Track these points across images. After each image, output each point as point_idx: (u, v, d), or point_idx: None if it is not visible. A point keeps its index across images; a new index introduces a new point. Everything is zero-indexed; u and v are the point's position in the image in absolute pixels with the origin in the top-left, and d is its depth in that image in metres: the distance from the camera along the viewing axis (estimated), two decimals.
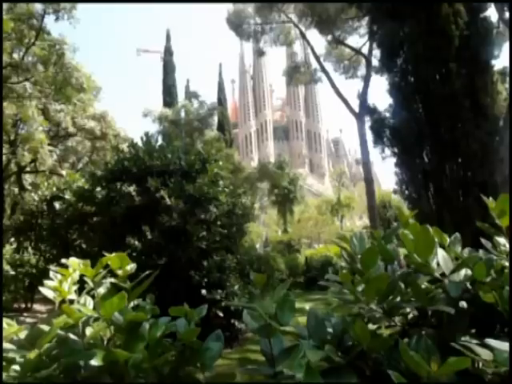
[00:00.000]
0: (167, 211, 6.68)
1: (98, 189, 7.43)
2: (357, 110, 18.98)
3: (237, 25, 22.21)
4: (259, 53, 25.53)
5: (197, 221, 6.78)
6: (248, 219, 8.15)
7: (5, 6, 13.52)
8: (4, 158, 18.23)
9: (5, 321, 1.04)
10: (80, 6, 13.76)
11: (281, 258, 16.00)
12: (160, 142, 8.67)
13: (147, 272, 1.15)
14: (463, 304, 1.08)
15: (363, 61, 21.29)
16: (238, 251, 7.62)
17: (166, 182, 7.05)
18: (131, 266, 1.17)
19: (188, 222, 6.70)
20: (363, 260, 1.18)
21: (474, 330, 1.05)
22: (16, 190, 19.47)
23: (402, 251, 1.27)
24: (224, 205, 7.28)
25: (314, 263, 16.89)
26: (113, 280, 1.17)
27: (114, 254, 1.16)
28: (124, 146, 9.73)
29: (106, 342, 1.08)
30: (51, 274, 1.15)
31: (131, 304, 1.13)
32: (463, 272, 1.13)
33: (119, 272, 1.14)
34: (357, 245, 1.26)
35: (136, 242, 6.47)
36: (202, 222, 6.88)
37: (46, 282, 1.13)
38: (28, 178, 21.28)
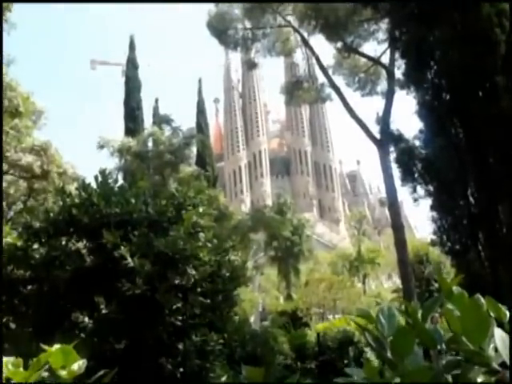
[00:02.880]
0: (129, 275, 6.62)
1: (36, 246, 7.39)
2: (378, 136, 19.37)
3: (220, 30, 22.87)
4: (250, 64, 26.44)
5: (169, 287, 6.71)
6: (238, 283, 8.10)
7: None
8: None
9: None
10: (17, 6, 14.13)
11: (284, 336, 15.76)
12: (120, 181, 8.73)
13: (101, 372, 1.11)
14: None
15: (383, 73, 21.94)
16: (226, 328, 7.51)
17: (128, 236, 7.03)
18: (80, 364, 1.13)
19: (157, 290, 6.63)
20: (394, 346, 1.16)
21: None
22: None
23: (446, 330, 1.26)
24: (206, 265, 7.25)
25: (328, 341, 16.64)
26: None
27: (56, 347, 1.13)
28: (72, 188, 9.77)
29: None
30: None
31: None
32: None
33: (63, 373, 1.10)
34: (385, 325, 1.25)
35: (86, 319, 6.36)
36: (177, 289, 6.81)
37: None
38: None
